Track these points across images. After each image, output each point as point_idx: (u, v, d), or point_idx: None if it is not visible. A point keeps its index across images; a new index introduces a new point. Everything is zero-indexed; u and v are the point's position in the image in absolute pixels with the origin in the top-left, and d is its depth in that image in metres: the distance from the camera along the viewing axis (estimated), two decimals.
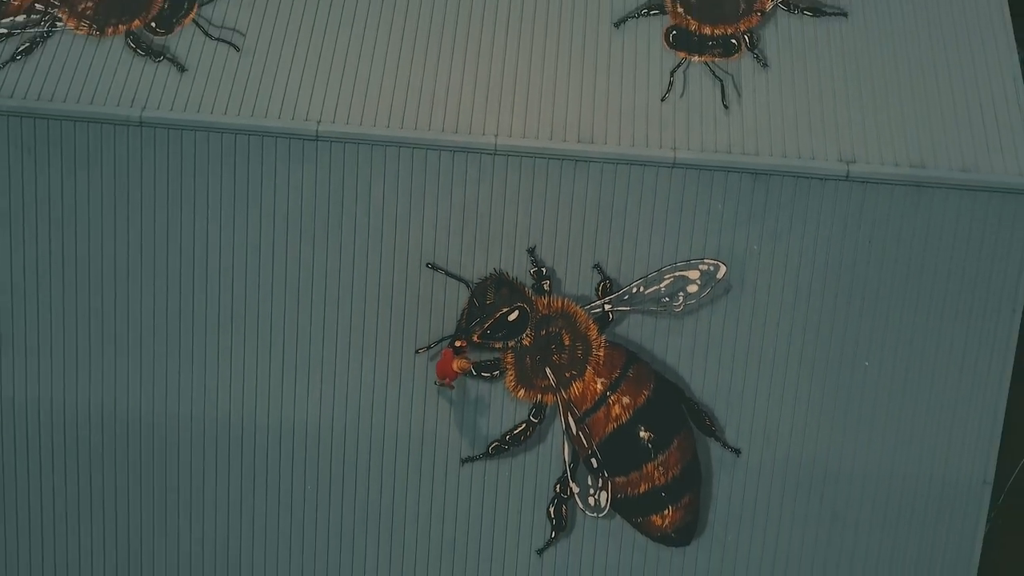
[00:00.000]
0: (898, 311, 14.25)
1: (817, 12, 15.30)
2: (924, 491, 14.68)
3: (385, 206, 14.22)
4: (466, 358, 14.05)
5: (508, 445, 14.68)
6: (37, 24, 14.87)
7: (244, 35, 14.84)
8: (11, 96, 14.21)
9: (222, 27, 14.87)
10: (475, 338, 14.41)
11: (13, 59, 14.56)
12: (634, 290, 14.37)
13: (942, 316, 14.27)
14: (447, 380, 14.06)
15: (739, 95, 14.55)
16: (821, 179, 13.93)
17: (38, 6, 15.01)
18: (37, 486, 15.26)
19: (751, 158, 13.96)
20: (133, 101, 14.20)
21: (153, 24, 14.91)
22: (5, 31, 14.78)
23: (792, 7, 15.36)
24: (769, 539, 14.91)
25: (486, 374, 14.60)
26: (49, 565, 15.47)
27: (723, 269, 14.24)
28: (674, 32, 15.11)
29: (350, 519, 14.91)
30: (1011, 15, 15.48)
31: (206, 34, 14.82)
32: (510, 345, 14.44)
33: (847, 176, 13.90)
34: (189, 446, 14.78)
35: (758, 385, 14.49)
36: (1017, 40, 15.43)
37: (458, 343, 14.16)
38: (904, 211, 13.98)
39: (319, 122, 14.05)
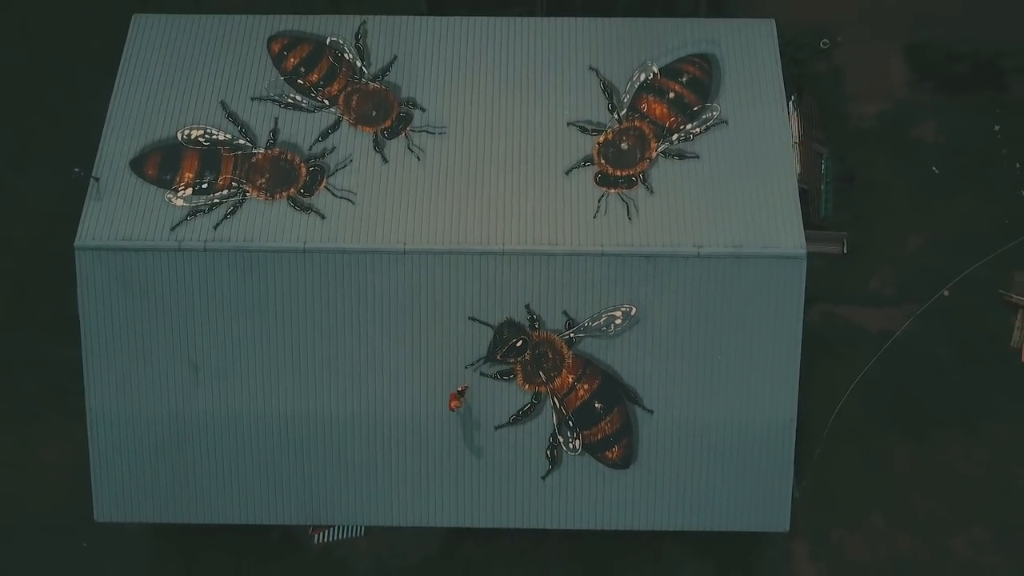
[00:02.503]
0: (734, 327, 25.33)
1: (682, 157, 26.41)
2: (758, 429, 25.71)
3: (443, 286, 25.23)
4: (461, 399, 25.17)
5: (520, 417, 25.76)
6: (235, 195, 25.87)
7: (356, 193, 25.87)
8: (228, 240, 25.21)
9: (342, 190, 25.90)
10: (498, 357, 25.49)
11: (225, 217, 25.55)
12: (586, 324, 25.44)
13: (760, 327, 25.33)
14: (451, 407, 25.23)
15: (637, 211, 25.65)
16: (684, 257, 25.04)
17: (233, 184, 26.01)
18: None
19: (645, 248, 25.06)
20: (298, 238, 25.22)
21: (302, 190, 25.94)
22: (219, 200, 25.78)
23: (668, 155, 26.45)
24: (672, 464, 25.94)
25: (505, 378, 25.66)
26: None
27: (635, 310, 25.32)
28: (599, 175, 26.21)
29: (431, 463, 25.94)
30: None
31: (333, 195, 25.85)
32: (518, 360, 25.53)
33: (698, 255, 25.02)
34: (346, 431, 25.79)
35: (660, 373, 25.54)
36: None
37: (460, 388, 25.45)
38: (732, 272, 25.08)
39: (405, 244, 25.09)
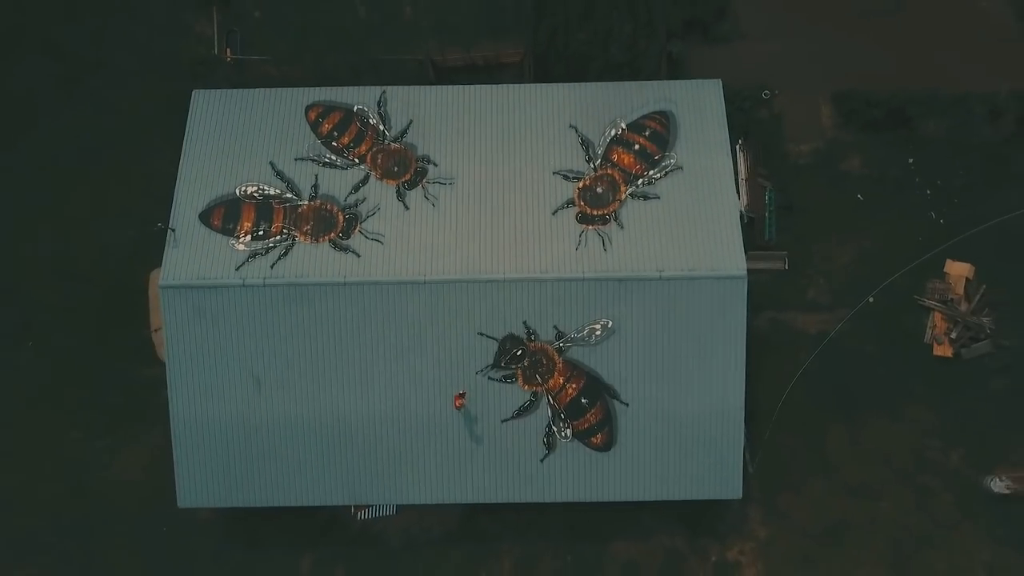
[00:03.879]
0: (691, 334, 31.41)
1: (646, 198, 32.51)
2: (713, 415, 31.82)
3: (456, 308, 31.33)
4: (463, 399, 31.33)
5: (522, 412, 31.90)
6: (286, 240, 31.97)
7: (384, 235, 31.96)
8: (283, 277, 31.33)
9: (373, 233, 32.00)
10: (502, 364, 31.61)
11: (279, 258, 31.65)
12: (572, 335, 31.58)
13: (712, 334, 31.43)
14: (456, 407, 31.33)
15: (611, 243, 31.76)
16: (649, 280, 31.15)
17: (284, 231, 32.10)
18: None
19: (618, 273, 31.16)
20: (339, 273, 31.33)
21: (340, 234, 32.03)
22: (273, 244, 31.87)
23: (635, 196, 32.54)
24: (645, 446, 32.09)
25: (508, 381, 31.78)
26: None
27: (611, 323, 31.45)
28: (579, 214, 32.31)
29: (450, 452, 32.08)
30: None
31: (366, 237, 31.94)
32: (518, 366, 31.67)
33: (660, 278, 31.13)
34: (381, 428, 31.94)
35: (633, 373, 31.67)
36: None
37: (462, 391, 31.56)
38: (688, 290, 31.19)
39: (425, 276, 31.19)
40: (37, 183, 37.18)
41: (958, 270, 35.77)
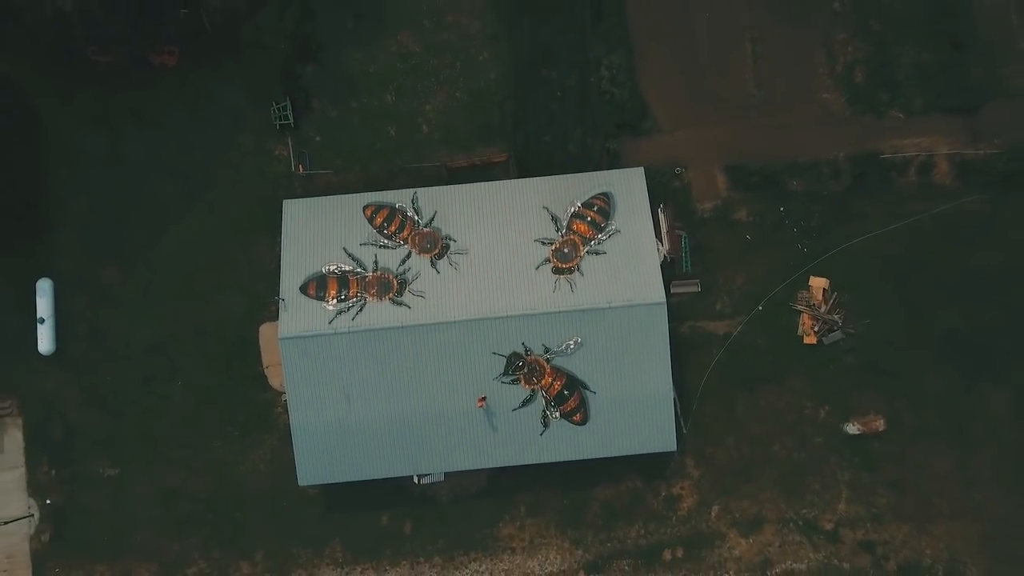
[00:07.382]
0: (632, 343, 47.31)
1: (598, 254, 48.36)
2: (651, 397, 47.73)
3: (477, 337, 47.18)
4: (483, 403, 47.16)
5: (525, 403, 47.91)
6: (360, 301, 47.77)
7: (425, 292, 47.75)
8: (361, 326, 47.20)
9: (417, 291, 47.84)
10: (509, 372, 47.51)
11: (357, 314, 47.52)
12: (555, 349, 47.54)
13: (646, 342, 47.34)
14: (479, 407, 47.17)
15: (576, 287, 47.62)
16: (602, 309, 47.05)
17: (358, 294, 47.88)
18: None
19: (582, 305, 47.09)
20: (398, 321, 47.18)
21: (396, 294, 47.84)
22: (352, 305, 47.68)
23: (590, 253, 48.37)
24: (608, 420, 48.03)
25: (514, 383, 47.71)
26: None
27: (580, 339, 47.39)
28: (553, 268, 48.21)
29: (479, 433, 47.96)
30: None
31: (412, 295, 47.79)
32: (521, 372, 47.61)
33: (609, 307, 47.03)
34: (431, 421, 47.81)
35: (596, 371, 47.55)
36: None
37: (483, 396, 47.48)
38: (628, 314, 47.08)
39: (455, 317, 47.00)
40: (171, 268, 52.47)
41: (818, 283, 51.46)
